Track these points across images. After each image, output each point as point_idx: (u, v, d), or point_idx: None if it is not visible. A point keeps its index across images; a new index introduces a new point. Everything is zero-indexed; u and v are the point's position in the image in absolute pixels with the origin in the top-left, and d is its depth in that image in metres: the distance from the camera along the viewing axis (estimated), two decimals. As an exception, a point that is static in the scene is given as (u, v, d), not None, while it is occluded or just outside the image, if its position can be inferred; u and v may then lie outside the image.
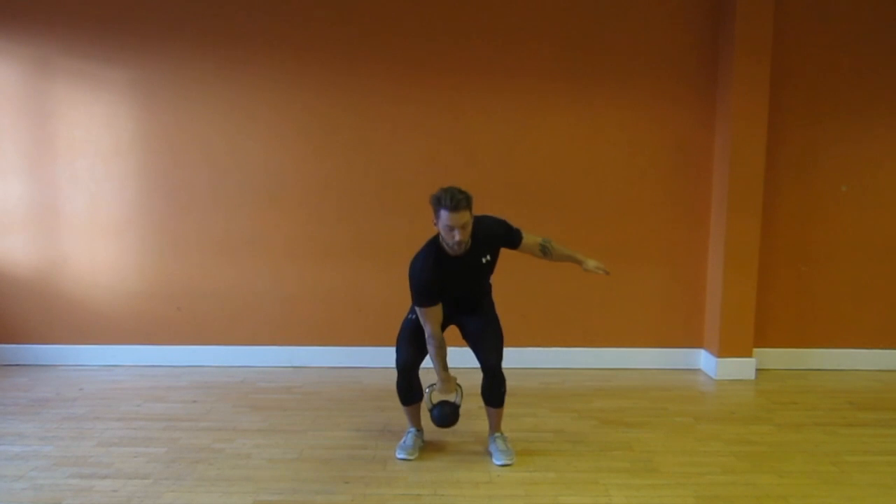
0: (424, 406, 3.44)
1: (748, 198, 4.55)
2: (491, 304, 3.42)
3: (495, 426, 3.43)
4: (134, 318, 4.82)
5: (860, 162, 4.76)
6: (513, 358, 4.65)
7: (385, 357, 4.72)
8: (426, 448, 3.47)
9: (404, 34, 4.64)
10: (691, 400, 4.33)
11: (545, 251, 3.22)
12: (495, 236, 3.20)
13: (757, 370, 4.73)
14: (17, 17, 4.59)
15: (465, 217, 2.95)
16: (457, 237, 2.96)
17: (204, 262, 4.78)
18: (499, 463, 3.29)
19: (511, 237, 3.22)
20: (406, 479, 3.16)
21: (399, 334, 3.36)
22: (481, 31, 4.63)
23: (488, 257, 3.16)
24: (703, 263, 4.85)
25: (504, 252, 3.33)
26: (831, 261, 4.83)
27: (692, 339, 4.91)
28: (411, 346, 3.30)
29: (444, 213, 2.95)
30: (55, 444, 3.49)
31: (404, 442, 3.43)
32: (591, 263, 3.30)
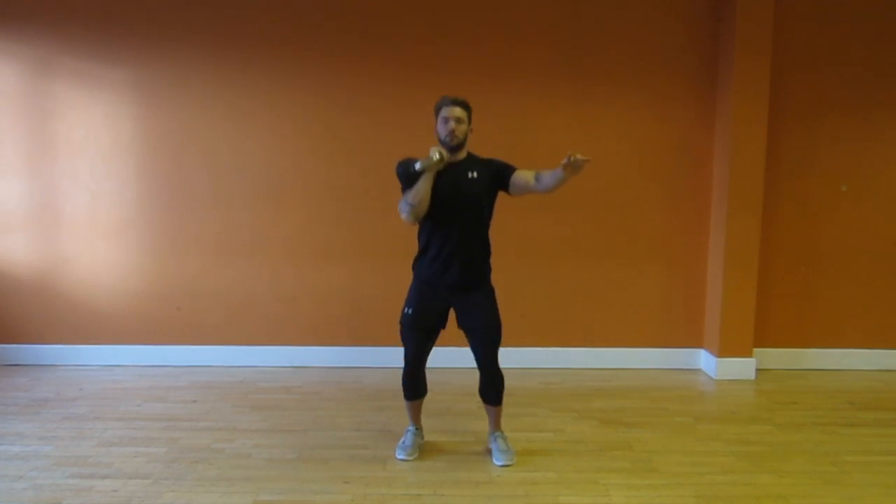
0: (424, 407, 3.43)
1: (748, 198, 4.55)
2: (491, 294, 3.33)
3: (495, 425, 3.43)
4: (134, 318, 4.82)
5: (860, 162, 4.76)
6: (513, 358, 4.67)
7: (385, 357, 4.76)
8: (426, 448, 3.47)
9: (404, 34, 4.65)
10: (691, 400, 4.33)
11: (539, 178, 3.22)
12: (491, 161, 3.29)
13: (757, 370, 4.73)
14: (17, 16, 4.59)
15: (460, 113, 3.17)
16: (450, 126, 3.15)
17: (204, 262, 4.78)
18: (499, 463, 3.29)
19: (506, 167, 3.26)
20: (406, 479, 3.16)
21: (401, 330, 3.36)
22: (481, 31, 4.64)
23: (475, 174, 3.21)
24: (703, 263, 4.85)
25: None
26: (831, 261, 4.83)
27: (692, 339, 4.91)
28: (416, 339, 3.32)
29: (443, 109, 3.19)
30: (55, 444, 3.49)
31: (404, 442, 3.43)
32: (565, 161, 3.07)
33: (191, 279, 4.79)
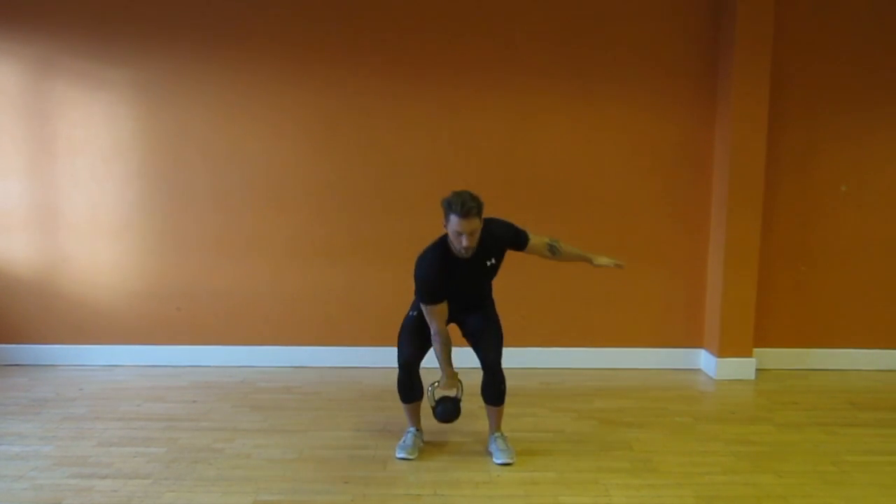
0: (426, 403, 3.43)
1: (748, 197, 4.55)
2: (492, 303, 3.43)
3: (495, 425, 3.43)
4: (134, 318, 4.82)
5: (860, 162, 4.76)
6: (513, 358, 4.64)
7: (385, 357, 4.73)
8: (426, 448, 3.47)
9: (404, 32, 4.64)
10: (691, 400, 4.33)
11: (553, 251, 3.23)
12: (502, 239, 3.22)
13: (757, 370, 4.73)
14: (18, 16, 4.59)
15: (474, 224, 2.98)
16: (465, 242, 3.00)
17: (204, 262, 4.78)
18: (499, 462, 3.29)
19: (518, 239, 3.25)
20: (406, 479, 3.16)
21: (400, 331, 3.38)
22: (481, 29, 4.63)
23: (493, 261, 3.19)
24: (703, 263, 4.85)
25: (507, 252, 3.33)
26: (831, 261, 4.82)
27: (692, 339, 4.91)
28: (413, 343, 3.33)
29: (453, 218, 2.98)
30: (55, 444, 3.49)
31: (404, 441, 3.43)
32: (603, 260, 3.27)
33: (191, 279, 4.79)
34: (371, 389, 4.40)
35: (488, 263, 3.16)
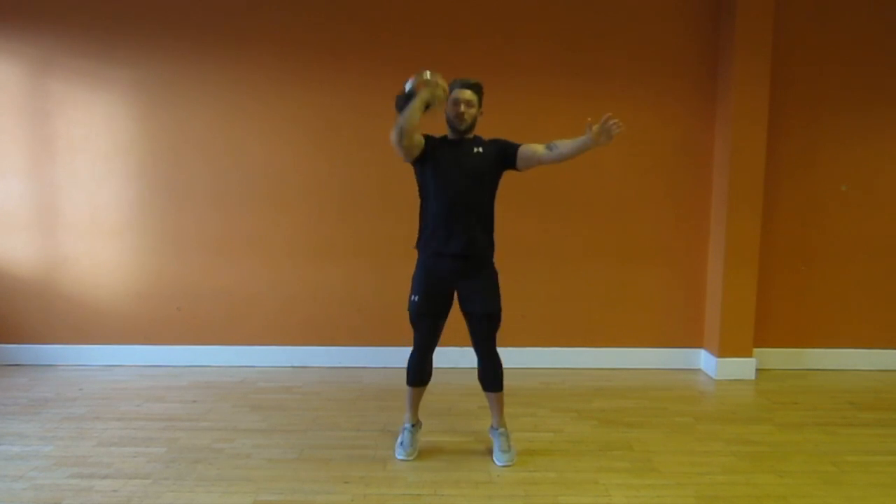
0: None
1: (748, 197, 4.55)
2: (493, 278, 3.34)
3: (498, 418, 3.41)
4: (134, 318, 4.82)
5: (860, 161, 4.76)
6: (513, 358, 4.66)
7: (385, 357, 4.77)
8: (426, 448, 3.46)
9: (404, 32, 4.65)
10: (691, 400, 4.33)
11: (552, 148, 3.26)
12: (496, 140, 3.37)
13: (757, 370, 4.73)
14: (18, 16, 4.59)
15: (470, 96, 3.27)
16: (460, 109, 3.26)
17: (204, 262, 4.78)
18: (499, 463, 3.29)
19: (510, 144, 3.33)
20: (406, 479, 3.16)
21: (410, 318, 3.36)
22: (482, 29, 4.64)
23: (480, 150, 3.30)
24: (703, 263, 4.85)
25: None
26: (831, 260, 4.83)
27: (692, 339, 4.91)
28: (427, 326, 3.33)
29: (455, 91, 3.27)
30: (55, 444, 3.49)
31: (402, 441, 3.41)
32: (595, 128, 3.21)
33: (191, 279, 4.79)
34: (371, 389, 4.40)
35: (475, 150, 3.30)
